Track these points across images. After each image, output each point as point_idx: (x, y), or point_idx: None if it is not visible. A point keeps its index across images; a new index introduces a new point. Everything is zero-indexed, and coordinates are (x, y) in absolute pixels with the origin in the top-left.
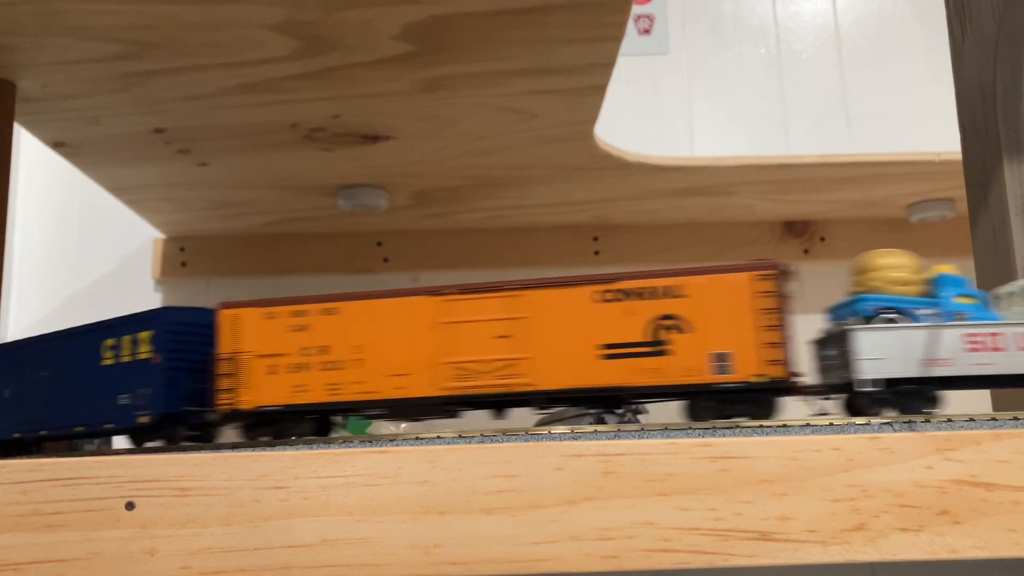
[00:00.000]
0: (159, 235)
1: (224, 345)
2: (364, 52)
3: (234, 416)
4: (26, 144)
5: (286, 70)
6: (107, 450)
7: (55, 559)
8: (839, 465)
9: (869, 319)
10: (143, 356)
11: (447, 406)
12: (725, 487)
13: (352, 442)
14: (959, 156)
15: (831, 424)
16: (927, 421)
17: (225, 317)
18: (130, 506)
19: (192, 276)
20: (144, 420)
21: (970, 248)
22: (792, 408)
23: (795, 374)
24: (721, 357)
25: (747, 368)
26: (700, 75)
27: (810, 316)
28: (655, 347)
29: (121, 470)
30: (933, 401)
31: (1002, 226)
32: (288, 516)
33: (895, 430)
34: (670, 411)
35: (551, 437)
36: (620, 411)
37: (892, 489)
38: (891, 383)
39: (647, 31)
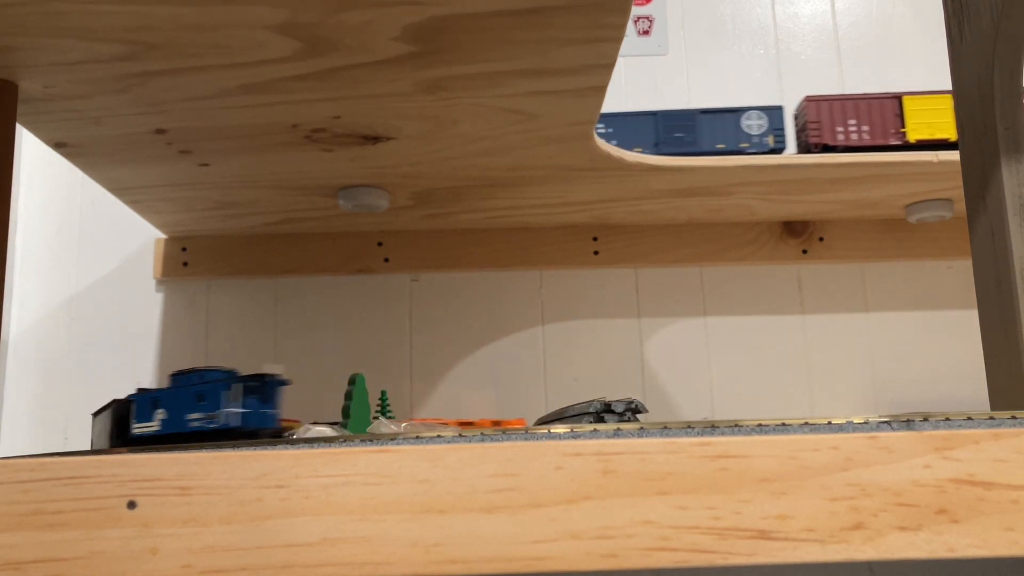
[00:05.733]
0: (160, 235)
1: None
2: (364, 53)
3: None
4: (28, 145)
5: (287, 71)
6: (109, 449)
7: (57, 558)
8: (838, 464)
9: None
10: None
11: None
12: (724, 486)
13: (352, 441)
14: (957, 157)
15: (829, 423)
16: (925, 420)
17: None
18: (132, 505)
19: (193, 276)
20: None
21: (968, 248)
22: None
23: None
24: None
25: None
26: (699, 76)
27: (809, 316)
28: None
29: (123, 469)
30: None
31: (1000, 227)
32: (289, 515)
33: (893, 429)
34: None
35: (551, 436)
36: (620, 411)
37: (890, 488)
38: None
39: (646, 32)
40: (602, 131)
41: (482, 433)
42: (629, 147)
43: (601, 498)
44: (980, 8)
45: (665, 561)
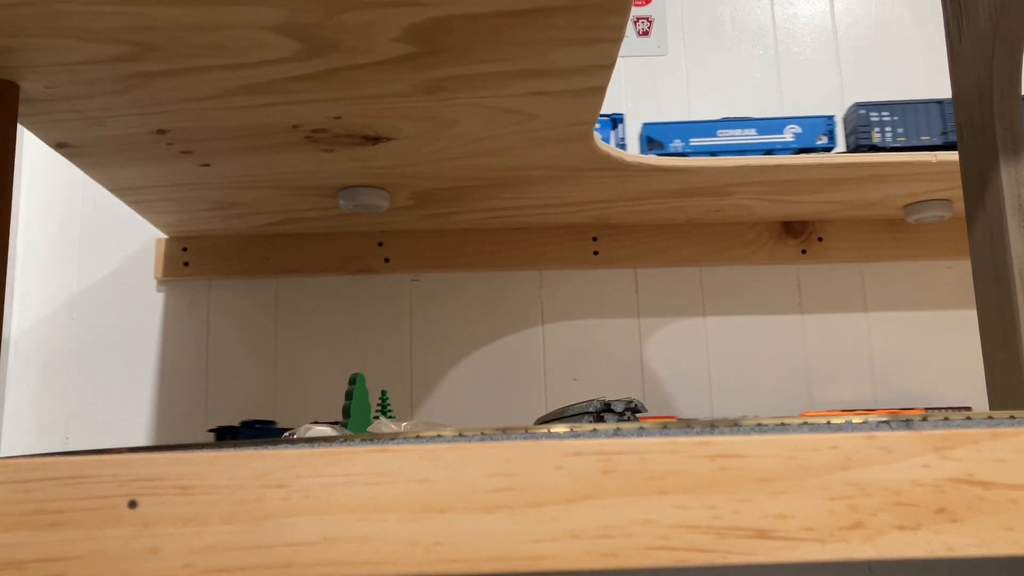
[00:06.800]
0: (161, 235)
1: None
2: (365, 54)
3: None
4: (29, 145)
5: (287, 71)
6: (109, 449)
7: (58, 557)
8: (837, 463)
9: None
10: None
11: None
12: (724, 485)
13: (353, 441)
14: (956, 157)
15: (828, 423)
16: (924, 419)
17: None
18: (133, 504)
19: (194, 276)
20: None
21: (967, 248)
22: None
23: None
24: None
25: None
26: (699, 76)
27: (808, 316)
28: None
29: (123, 469)
30: None
31: (999, 227)
32: (289, 514)
33: (892, 429)
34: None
35: (551, 436)
36: (619, 410)
37: (890, 487)
38: None
39: (646, 33)
40: (887, 118)
41: (482, 433)
42: (916, 136)
43: (601, 497)
44: (979, 9)
45: (665, 560)
